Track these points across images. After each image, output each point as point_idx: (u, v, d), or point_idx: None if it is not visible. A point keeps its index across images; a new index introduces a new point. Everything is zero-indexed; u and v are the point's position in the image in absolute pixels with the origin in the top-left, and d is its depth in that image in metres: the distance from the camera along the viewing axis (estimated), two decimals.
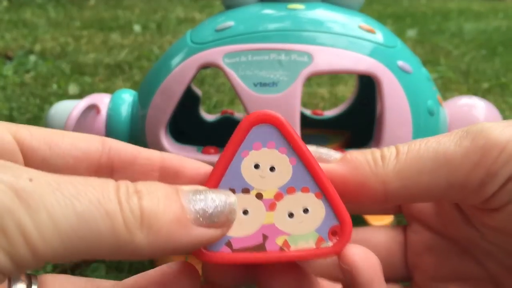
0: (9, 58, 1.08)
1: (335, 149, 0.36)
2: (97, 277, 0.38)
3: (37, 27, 1.52)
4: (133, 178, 0.16)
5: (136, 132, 0.38)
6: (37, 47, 1.20)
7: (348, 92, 0.91)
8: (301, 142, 0.18)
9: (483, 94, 0.90)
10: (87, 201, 0.14)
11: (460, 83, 0.99)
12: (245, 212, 0.18)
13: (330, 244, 0.18)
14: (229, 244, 0.17)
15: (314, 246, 0.18)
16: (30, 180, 0.13)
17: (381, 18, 1.73)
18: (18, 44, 1.23)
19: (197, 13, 1.93)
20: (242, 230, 0.18)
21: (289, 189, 0.18)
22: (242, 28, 0.35)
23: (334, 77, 1.02)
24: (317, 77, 0.99)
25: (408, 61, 0.35)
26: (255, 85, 0.33)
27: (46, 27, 1.52)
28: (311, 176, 0.18)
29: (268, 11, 0.37)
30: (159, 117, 0.36)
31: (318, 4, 0.38)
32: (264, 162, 0.18)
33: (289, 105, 0.32)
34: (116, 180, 0.15)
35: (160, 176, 0.19)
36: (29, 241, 0.13)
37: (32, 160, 0.18)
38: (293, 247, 0.18)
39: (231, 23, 0.36)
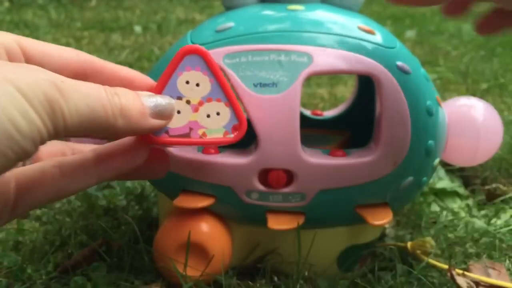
0: None
1: (335, 149, 0.36)
2: (98, 276, 0.38)
3: (38, 28, 1.52)
4: (101, 83, 0.23)
5: None
6: None
7: (347, 92, 0.92)
8: (217, 69, 0.27)
9: (482, 94, 0.91)
10: (92, 97, 0.21)
11: (459, 84, 0.99)
12: (178, 112, 0.27)
13: (232, 136, 0.28)
14: (167, 132, 0.26)
15: (222, 136, 0.27)
16: (62, 81, 0.20)
17: (380, 19, 1.73)
18: None
19: (198, 14, 1.93)
20: (176, 124, 0.26)
21: (208, 99, 0.27)
22: (242, 29, 0.35)
23: (334, 77, 1.02)
24: (317, 78, 1.00)
25: (407, 61, 0.36)
26: (255, 85, 0.33)
27: (47, 28, 1.52)
28: (223, 91, 0.27)
29: (268, 12, 0.37)
30: None
31: (318, 5, 0.39)
32: (192, 80, 0.27)
33: (289, 106, 0.33)
34: None
35: (120, 84, 0.26)
36: (64, 118, 0.20)
37: (30, 64, 0.24)
38: (208, 136, 0.27)
39: (231, 24, 0.36)
